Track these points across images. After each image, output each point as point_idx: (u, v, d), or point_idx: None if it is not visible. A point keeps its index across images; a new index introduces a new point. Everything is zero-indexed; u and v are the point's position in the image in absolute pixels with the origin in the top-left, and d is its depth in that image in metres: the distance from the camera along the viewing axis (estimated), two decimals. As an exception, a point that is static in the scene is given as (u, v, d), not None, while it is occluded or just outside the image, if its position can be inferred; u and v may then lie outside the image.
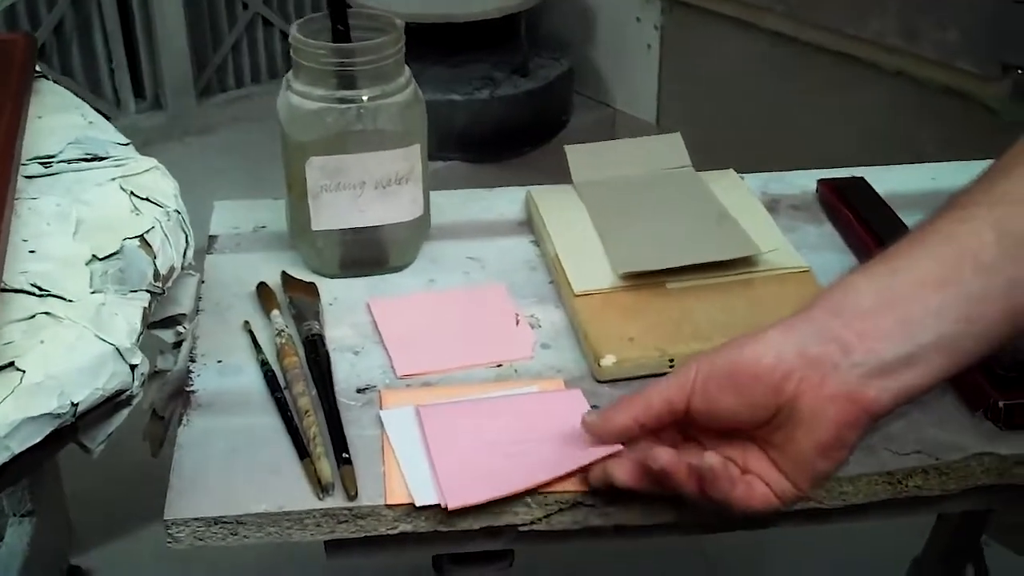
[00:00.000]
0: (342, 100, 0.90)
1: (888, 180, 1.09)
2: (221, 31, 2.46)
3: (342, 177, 0.91)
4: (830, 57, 2.05)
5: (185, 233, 0.84)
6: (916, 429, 0.80)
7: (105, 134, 0.94)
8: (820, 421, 0.66)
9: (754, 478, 0.69)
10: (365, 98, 0.90)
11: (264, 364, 0.86)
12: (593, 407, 0.81)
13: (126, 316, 0.73)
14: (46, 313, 0.71)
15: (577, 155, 1.06)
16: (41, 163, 0.88)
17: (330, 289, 0.95)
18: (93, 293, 0.73)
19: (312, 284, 0.94)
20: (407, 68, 0.93)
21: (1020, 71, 1.78)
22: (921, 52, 1.90)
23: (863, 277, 0.68)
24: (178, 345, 0.88)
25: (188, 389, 0.84)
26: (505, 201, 1.08)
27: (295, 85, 0.91)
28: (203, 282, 0.95)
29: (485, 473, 0.74)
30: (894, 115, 1.97)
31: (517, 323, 0.91)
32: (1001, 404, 0.79)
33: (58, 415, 0.66)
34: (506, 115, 2.32)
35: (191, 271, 0.88)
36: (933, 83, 1.90)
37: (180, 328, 0.87)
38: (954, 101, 1.88)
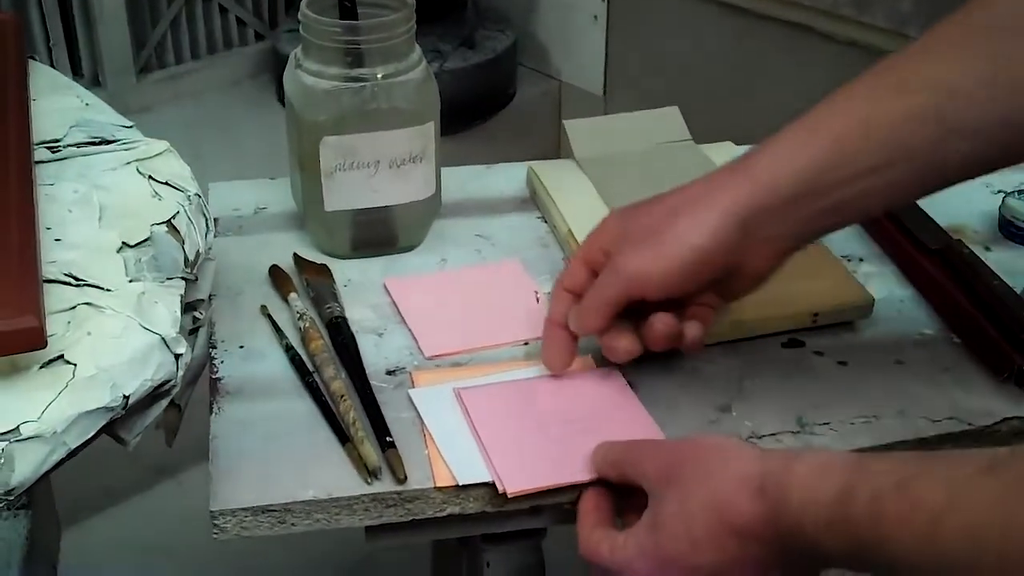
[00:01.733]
0: (356, 79, 0.89)
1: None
2: (160, 7, 2.40)
3: (356, 156, 0.90)
4: (781, 27, 2.06)
5: (205, 217, 0.82)
6: (945, 395, 0.81)
7: (105, 116, 0.92)
8: (759, 275, 0.77)
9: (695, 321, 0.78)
10: (379, 76, 0.89)
11: (289, 349, 0.84)
12: (629, 383, 0.81)
13: (166, 304, 0.71)
14: (87, 304, 0.69)
15: (577, 130, 1.06)
16: (48, 147, 0.85)
17: (342, 270, 0.94)
18: (131, 282, 0.72)
19: (325, 266, 0.93)
20: (417, 46, 0.92)
21: (972, 38, 1.80)
22: (873, 21, 1.91)
23: (787, 150, 0.75)
24: (194, 331, 0.86)
25: (215, 376, 0.83)
26: (503, 178, 1.07)
27: (306, 64, 0.90)
28: (210, 266, 0.93)
29: (538, 457, 0.74)
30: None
31: (537, 300, 0.90)
32: (1027, 369, 0.81)
33: (111, 408, 0.65)
34: (455, 89, 2.29)
35: (209, 256, 0.86)
36: (886, 52, 1.92)
37: (196, 314, 0.85)
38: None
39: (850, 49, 1.96)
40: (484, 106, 2.41)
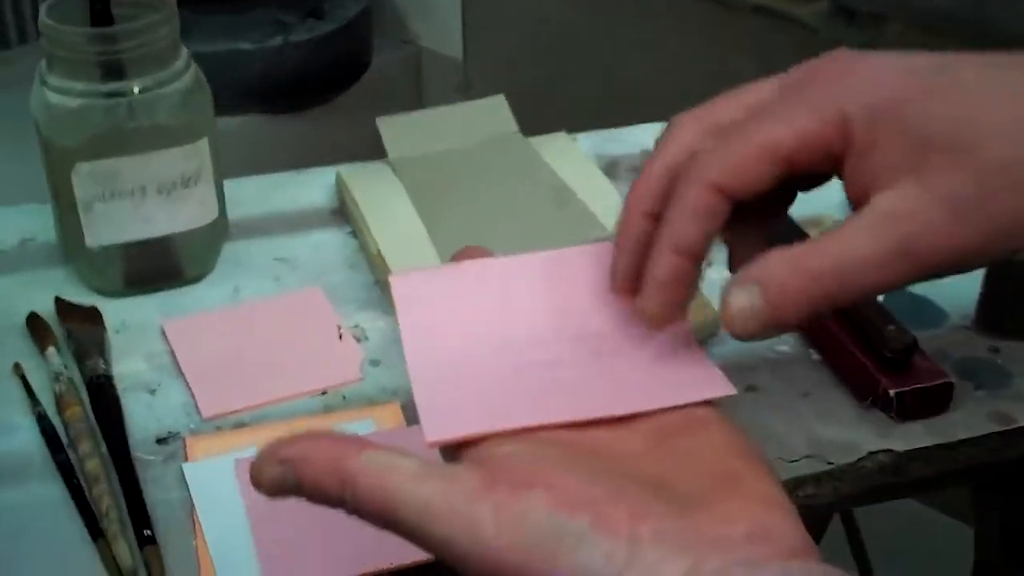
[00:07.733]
0: (109, 94, 0.76)
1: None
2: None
3: (117, 184, 0.77)
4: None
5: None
6: (803, 428, 0.71)
7: None
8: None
9: None
10: (136, 89, 0.76)
11: (42, 418, 0.72)
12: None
13: None
14: None
15: (391, 127, 0.94)
16: None
17: (116, 312, 0.81)
18: None
19: (93, 309, 0.80)
20: (185, 49, 0.79)
21: (837, -13, 1.71)
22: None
23: None
24: (-65, 400, 0.73)
25: (-49, 459, 0.70)
26: (315, 185, 0.95)
27: (51, 80, 0.77)
28: (-39, 316, 0.80)
29: (308, 545, 0.63)
30: (707, 41, 1.89)
31: (340, 337, 0.79)
32: (892, 393, 0.71)
33: None
34: (304, 62, 2.15)
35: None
36: (744, 3, 1.82)
37: (-64, 380, 0.73)
38: (769, 21, 1.80)
39: (706, 3, 1.86)
40: (337, 79, 2.26)
